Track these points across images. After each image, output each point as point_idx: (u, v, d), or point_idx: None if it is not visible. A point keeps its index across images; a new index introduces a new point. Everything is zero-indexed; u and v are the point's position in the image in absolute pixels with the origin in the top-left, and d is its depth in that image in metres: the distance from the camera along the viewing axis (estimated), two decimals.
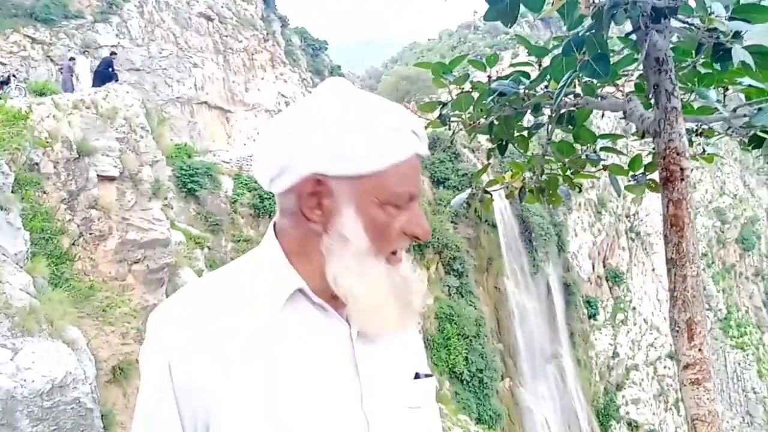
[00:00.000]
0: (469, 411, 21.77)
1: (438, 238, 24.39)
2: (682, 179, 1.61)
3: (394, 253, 0.98)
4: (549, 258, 30.39)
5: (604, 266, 36.73)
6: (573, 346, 31.48)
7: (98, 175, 9.67)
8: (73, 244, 9.04)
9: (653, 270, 38.81)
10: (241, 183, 18.59)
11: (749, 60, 1.45)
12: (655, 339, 35.91)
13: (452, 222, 26.25)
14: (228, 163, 19.39)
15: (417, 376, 1.06)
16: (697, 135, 2.49)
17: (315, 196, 0.95)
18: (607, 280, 36.23)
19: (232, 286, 0.99)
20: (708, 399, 1.55)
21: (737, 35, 1.51)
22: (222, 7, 26.35)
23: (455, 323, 23.55)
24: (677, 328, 1.54)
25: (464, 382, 22.92)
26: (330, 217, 0.95)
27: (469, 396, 22.55)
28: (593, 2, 1.49)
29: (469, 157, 28.28)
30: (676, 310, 1.55)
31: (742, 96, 2.38)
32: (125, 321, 8.58)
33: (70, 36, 19.04)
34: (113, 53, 15.50)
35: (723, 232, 46.00)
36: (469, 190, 2.93)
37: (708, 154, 2.76)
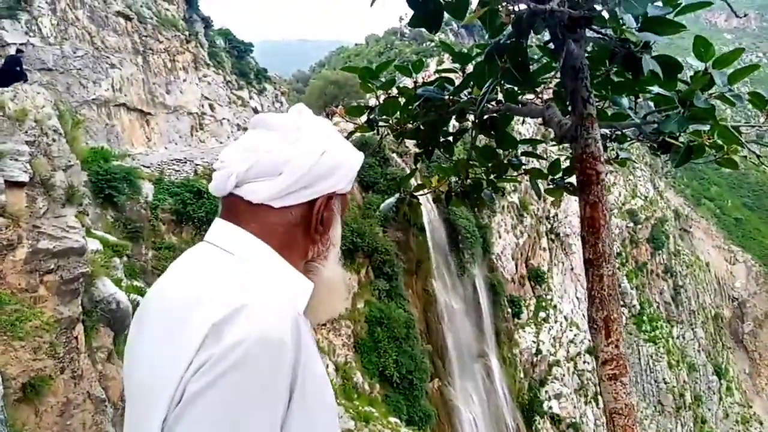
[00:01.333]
0: (400, 413, 21.90)
1: (368, 242, 24.44)
2: (598, 183, 1.69)
3: None
4: (475, 259, 31.10)
5: (526, 266, 38.00)
6: (498, 345, 32.34)
7: (6, 181, 9.05)
8: None
9: (572, 269, 40.52)
10: (163, 188, 17.90)
11: (658, 69, 1.53)
12: (575, 335, 37.49)
13: (381, 226, 26.38)
14: (148, 167, 18.64)
15: None
16: (610, 140, 2.62)
17: (326, 211, 1.13)
18: (530, 280, 37.51)
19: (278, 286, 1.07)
20: (624, 393, 1.62)
21: (647, 46, 1.60)
22: (141, 6, 25.36)
23: (385, 326, 23.67)
24: (595, 326, 1.61)
25: (394, 385, 23.06)
26: (328, 228, 1.14)
27: (399, 398, 22.69)
28: (513, 11, 1.53)
29: (397, 161, 28.53)
30: (594, 309, 1.61)
31: (651, 104, 2.52)
32: (37, 335, 8.05)
33: None
34: (20, 50, 14.59)
35: (635, 232, 48.66)
36: (397, 195, 2.96)
37: (621, 158, 2.91)
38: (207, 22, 31.97)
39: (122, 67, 22.73)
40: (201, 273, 1.02)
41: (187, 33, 28.58)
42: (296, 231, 1.10)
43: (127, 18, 24.07)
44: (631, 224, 48.58)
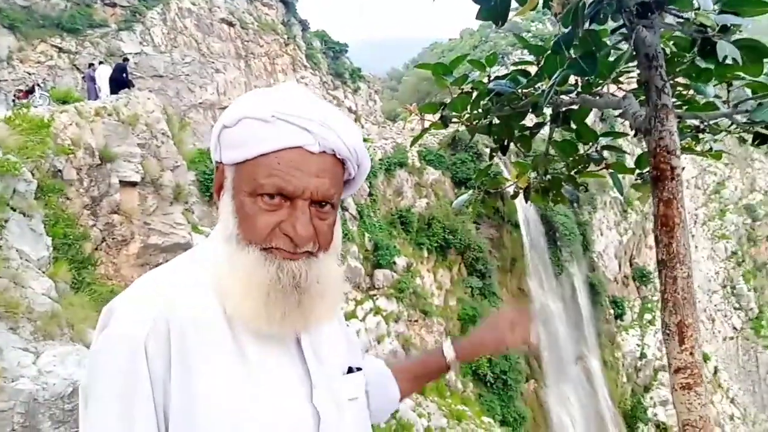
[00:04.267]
0: (493, 413, 21.58)
1: (460, 239, 24.25)
2: (673, 178, 1.57)
3: (281, 250, 0.97)
4: (574, 258, 30.00)
5: (630, 266, 36.15)
6: (599, 347, 31.02)
7: (120, 181, 9.84)
8: (96, 249, 9.20)
9: None
10: None
11: (735, 55, 1.40)
12: None
13: (475, 222, 26.07)
14: None
15: (350, 370, 1.11)
16: (700, 132, 2.44)
17: (218, 183, 1.04)
18: (634, 280, 35.65)
19: (192, 276, 1.01)
20: (699, 404, 1.50)
21: (725, 29, 1.47)
22: (243, 12, 26.61)
23: (478, 324, 23.38)
24: (668, 331, 1.50)
25: (488, 384, 22.74)
26: (218, 203, 1.03)
27: (493, 398, 22.36)
28: (567, 1, 1.46)
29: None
30: (667, 313, 1.51)
31: (748, 92, 2.32)
32: None
33: (95, 44, 19.44)
34: (125, 59, 15.74)
35: (753, 229, 44.90)
36: (471, 191, 2.91)
37: (715, 151, 2.70)
38: (304, 25, 33.01)
39: (226, 72, 23.97)
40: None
41: (285, 36, 29.68)
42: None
43: (231, 24, 25.35)
44: (749, 221, 44.88)
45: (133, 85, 14.12)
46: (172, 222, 10.58)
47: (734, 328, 39.77)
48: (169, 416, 0.91)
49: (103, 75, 14.72)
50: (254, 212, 0.96)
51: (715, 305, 39.57)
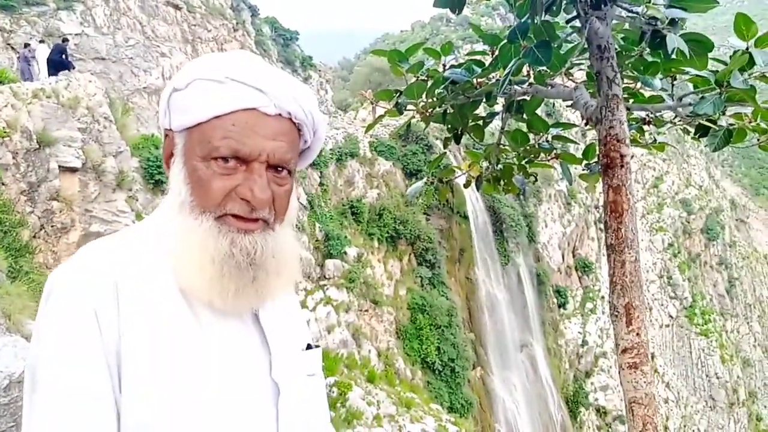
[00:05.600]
0: (441, 400, 21.94)
1: (410, 230, 24.45)
2: (622, 166, 1.63)
3: (237, 217, 0.94)
4: (520, 249, 30.72)
5: (573, 256, 37.29)
6: (543, 335, 31.94)
7: (60, 167, 9.44)
8: (34, 236, 8.82)
9: None
10: None
11: (683, 47, 1.46)
12: None
13: (425, 214, 26.33)
14: None
15: (309, 347, 1.10)
16: (646, 124, 2.53)
17: (168, 151, 0.99)
18: (577, 270, 36.81)
19: (143, 247, 0.97)
20: (645, 382, 1.57)
21: (673, 23, 1.52)
22: None
23: (428, 314, 23.69)
24: (616, 313, 1.56)
25: (436, 372, 23.09)
26: (167, 168, 0.98)
27: (441, 385, 22.73)
28: None
29: (441, 148, 28.38)
30: (615, 295, 1.57)
31: (691, 86, 2.42)
32: None
33: (31, 23, 18.49)
34: (65, 39, 15.06)
35: (689, 222, 47.04)
36: (424, 180, 2.93)
37: (659, 143, 2.80)
38: (254, 11, 32.42)
39: (172, 56, 23.27)
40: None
41: (234, 21, 29.04)
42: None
43: (177, 7, 24.62)
44: (685, 214, 47.00)
45: (74, 68, 13.53)
46: (115, 209, 10.25)
47: (670, 316, 41.64)
48: (122, 389, 0.87)
49: (41, 55, 14.06)
50: (208, 177, 0.92)
51: (653, 294, 41.31)
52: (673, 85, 2.36)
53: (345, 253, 20.72)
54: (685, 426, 37.19)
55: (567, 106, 2.28)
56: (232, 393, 0.92)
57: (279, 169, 0.95)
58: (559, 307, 34.19)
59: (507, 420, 26.89)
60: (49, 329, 0.87)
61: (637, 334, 1.56)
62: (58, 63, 13.12)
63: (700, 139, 2.35)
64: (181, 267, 0.92)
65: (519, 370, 29.08)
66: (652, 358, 36.43)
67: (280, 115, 0.95)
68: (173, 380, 0.88)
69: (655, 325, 39.74)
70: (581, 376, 33.63)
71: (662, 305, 41.48)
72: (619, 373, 1.65)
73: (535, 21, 1.57)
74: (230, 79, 0.93)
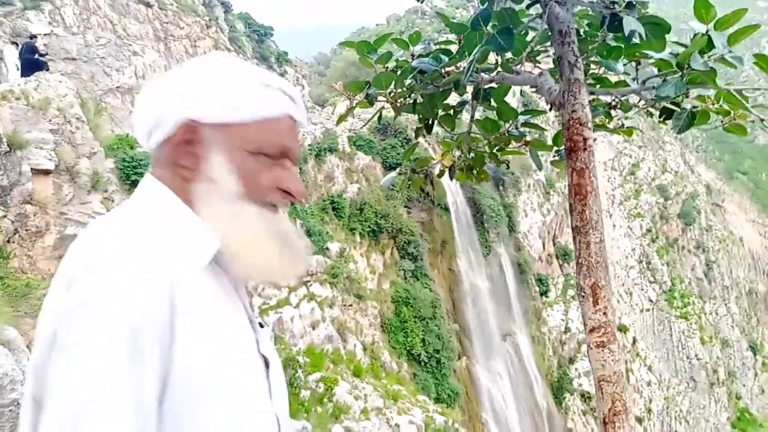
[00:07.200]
0: (428, 391, 22.05)
1: (392, 223, 24.47)
2: (585, 149, 1.65)
3: (273, 206, 1.05)
4: (500, 239, 30.93)
5: (554, 245, 37.64)
6: (527, 324, 32.24)
7: (32, 169, 9.28)
8: (8, 241, 8.67)
9: None
10: None
11: (640, 29, 1.49)
12: None
13: (405, 207, 26.38)
14: None
15: (261, 325, 1.15)
16: (612, 108, 2.56)
17: (188, 144, 1.01)
18: (557, 258, 37.17)
19: (158, 237, 0.96)
20: (613, 360, 1.60)
21: (631, 6, 1.55)
22: None
23: (411, 306, 23.77)
24: (583, 293, 1.59)
25: (422, 363, 23.20)
26: (200, 163, 1.00)
27: (427, 377, 22.84)
28: None
29: (420, 141, 28.37)
30: (582, 276, 1.59)
31: (655, 70, 2.45)
32: None
33: None
34: (33, 37, 14.76)
35: (666, 208, 47.74)
36: (398, 170, 2.94)
37: (627, 127, 2.84)
38: (226, 7, 32.11)
39: (144, 54, 22.96)
40: (96, 227, 0.98)
41: (207, 18, 28.73)
42: (173, 173, 1.01)
43: (148, 5, 24.28)
44: (662, 200, 47.68)
45: (48, 68, 13.27)
46: (91, 211, 10.10)
47: (650, 300, 42.28)
48: (167, 385, 0.89)
49: (9, 57, 13.76)
50: (256, 170, 1.01)
51: (633, 279, 41.89)
52: (637, 69, 2.39)
53: (327, 248, 20.69)
54: (667, 407, 37.85)
55: (532, 92, 2.30)
56: (249, 376, 1.01)
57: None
58: (541, 295, 34.52)
59: (494, 409, 27.13)
60: (105, 317, 0.85)
61: (604, 313, 1.59)
62: (33, 63, 12.85)
63: (666, 122, 2.40)
64: (243, 252, 1.00)
65: (504, 358, 29.34)
66: (634, 342, 37.00)
67: (296, 121, 1.09)
68: (218, 375, 0.94)
69: (635, 310, 40.34)
70: (565, 362, 34.02)
71: (642, 290, 42.10)
72: (587, 352, 1.68)
73: (494, 7, 1.58)
74: (274, 86, 1.04)
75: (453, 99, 2.88)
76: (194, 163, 1.01)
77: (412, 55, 2.66)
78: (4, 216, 8.74)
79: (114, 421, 0.81)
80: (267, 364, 1.06)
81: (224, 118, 0.99)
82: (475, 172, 3.01)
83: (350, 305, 21.48)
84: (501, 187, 32.64)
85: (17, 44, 14.34)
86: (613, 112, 2.78)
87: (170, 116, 1.00)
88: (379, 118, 2.99)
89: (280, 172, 1.03)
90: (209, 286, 0.97)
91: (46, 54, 15.49)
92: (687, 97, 2.27)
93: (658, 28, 1.59)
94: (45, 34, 18.24)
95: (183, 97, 1.00)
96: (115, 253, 0.89)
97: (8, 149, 8.93)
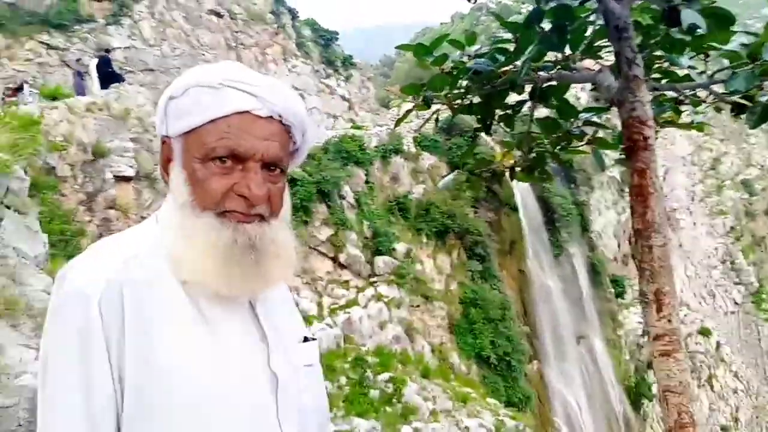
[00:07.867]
0: (498, 394, 21.71)
1: (459, 224, 24.23)
2: (646, 148, 1.58)
3: (240, 214, 0.99)
4: (572, 238, 30.03)
5: (629, 244, 36.20)
6: (601, 326, 31.16)
7: (114, 176, 9.85)
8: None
9: (680, 245, 38.16)
10: None
11: (700, 22, 1.41)
12: (686, 315, 35.32)
13: (473, 207, 26.04)
14: None
15: (306, 339, 1.14)
16: (679, 103, 2.44)
17: (168, 161, 1.06)
18: (634, 258, 35.71)
19: (143, 246, 1.03)
20: (678, 370, 1.53)
21: None
22: (231, 3, 26.46)
23: (480, 308, 23.46)
24: (646, 300, 1.52)
25: (492, 366, 22.85)
26: (168, 177, 1.05)
27: (497, 379, 22.48)
28: None
29: (486, 140, 28.01)
30: (645, 282, 1.53)
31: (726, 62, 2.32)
32: None
33: (83, 40, 19.31)
34: (107, 50, 15.63)
35: (751, 204, 44.95)
36: (456, 171, 2.93)
37: (698, 123, 2.70)
38: (293, 14, 32.76)
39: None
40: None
41: (275, 26, 29.49)
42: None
43: (219, 15, 25.21)
44: (746, 195, 44.92)
45: (123, 79, 14.04)
46: None
47: (735, 302, 39.93)
48: (124, 385, 0.92)
49: (94, 70, 14.65)
50: (207, 176, 0.98)
51: (715, 281, 39.71)
52: (706, 62, 2.27)
53: (394, 249, 20.76)
54: (757, 417, 35.64)
55: (590, 90, 2.23)
56: (237, 386, 0.96)
57: (272, 167, 1.01)
58: (617, 296, 33.26)
59: (566, 413, 26.38)
60: (55, 326, 0.94)
61: (669, 320, 1.51)
62: (108, 74, 13.64)
63: (739, 116, 2.26)
64: (186, 260, 0.98)
65: (577, 362, 28.48)
66: (718, 347, 35.04)
67: (271, 117, 1.00)
68: (182, 377, 0.92)
69: (719, 313, 38.22)
70: (643, 367, 32.61)
71: (726, 291, 39.83)
72: (651, 361, 1.61)
73: (540, 4, 1.54)
74: (224, 84, 0.99)
75: (513, 98, 2.83)
76: (168, 178, 1.06)
77: (468, 56, 2.63)
78: (90, 221, 9.31)
79: None
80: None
81: (179, 128, 1.01)
82: (536, 172, 2.94)
83: (417, 306, 21.46)
84: (572, 185, 31.71)
85: (94, 58, 15.27)
86: (682, 107, 2.65)
87: (159, 137, 1.09)
88: (437, 120, 2.98)
89: (237, 176, 0.98)
90: (173, 297, 0.97)
91: (123, 67, 16.39)
92: (761, 89, 2.13)
93: (721, 19, 1.50)
94: (125, 48, 19.29)
95: (159, 114, 1.06)
96: (75, 264, 0.97)
97: (93, 157, 9.50)
